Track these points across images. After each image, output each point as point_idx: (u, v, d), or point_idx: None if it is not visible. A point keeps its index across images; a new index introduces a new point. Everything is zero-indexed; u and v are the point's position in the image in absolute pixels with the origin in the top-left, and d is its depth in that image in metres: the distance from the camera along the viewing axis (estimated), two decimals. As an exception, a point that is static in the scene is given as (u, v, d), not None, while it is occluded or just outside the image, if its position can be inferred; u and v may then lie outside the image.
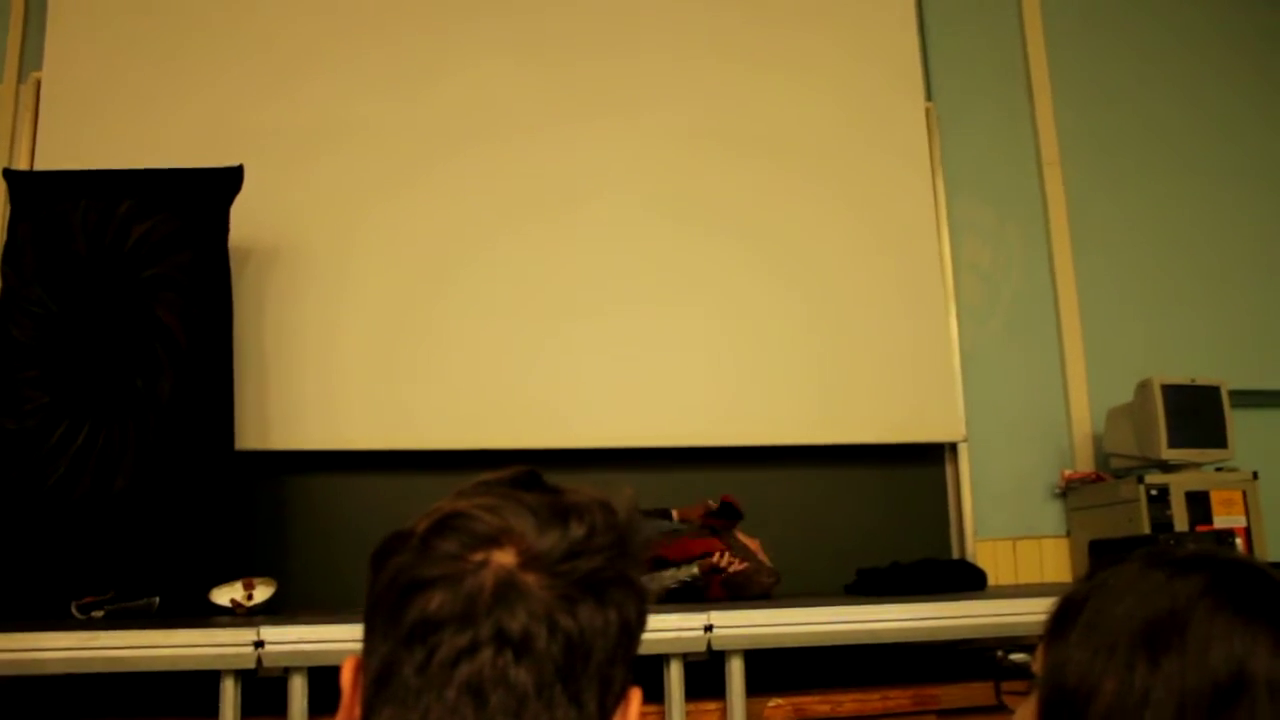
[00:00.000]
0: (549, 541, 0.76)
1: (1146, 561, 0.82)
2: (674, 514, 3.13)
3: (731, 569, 2.84)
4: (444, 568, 0.74)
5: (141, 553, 2.87)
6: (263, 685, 2.22)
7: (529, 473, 0.84)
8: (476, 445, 3.30)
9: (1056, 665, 0.80)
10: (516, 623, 0.72)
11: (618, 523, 0.81)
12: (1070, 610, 0.83)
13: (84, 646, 2.14)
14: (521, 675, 0.71)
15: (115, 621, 2.50)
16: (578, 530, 0.77)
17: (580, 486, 0.85)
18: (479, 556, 0.75)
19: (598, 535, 0.78)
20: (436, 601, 0.73)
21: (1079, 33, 4.31)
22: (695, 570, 2.84)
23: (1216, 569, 0.78)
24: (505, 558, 0.75)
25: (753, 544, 3.05)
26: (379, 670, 0.75)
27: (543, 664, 0.72)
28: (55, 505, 2.86)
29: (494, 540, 0.75)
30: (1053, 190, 4.13)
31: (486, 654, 0.71)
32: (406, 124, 3.61)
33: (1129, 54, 4.34)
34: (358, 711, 0.77)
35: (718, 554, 2.83)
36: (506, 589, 0.73)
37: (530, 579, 0.74)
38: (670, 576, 2.87)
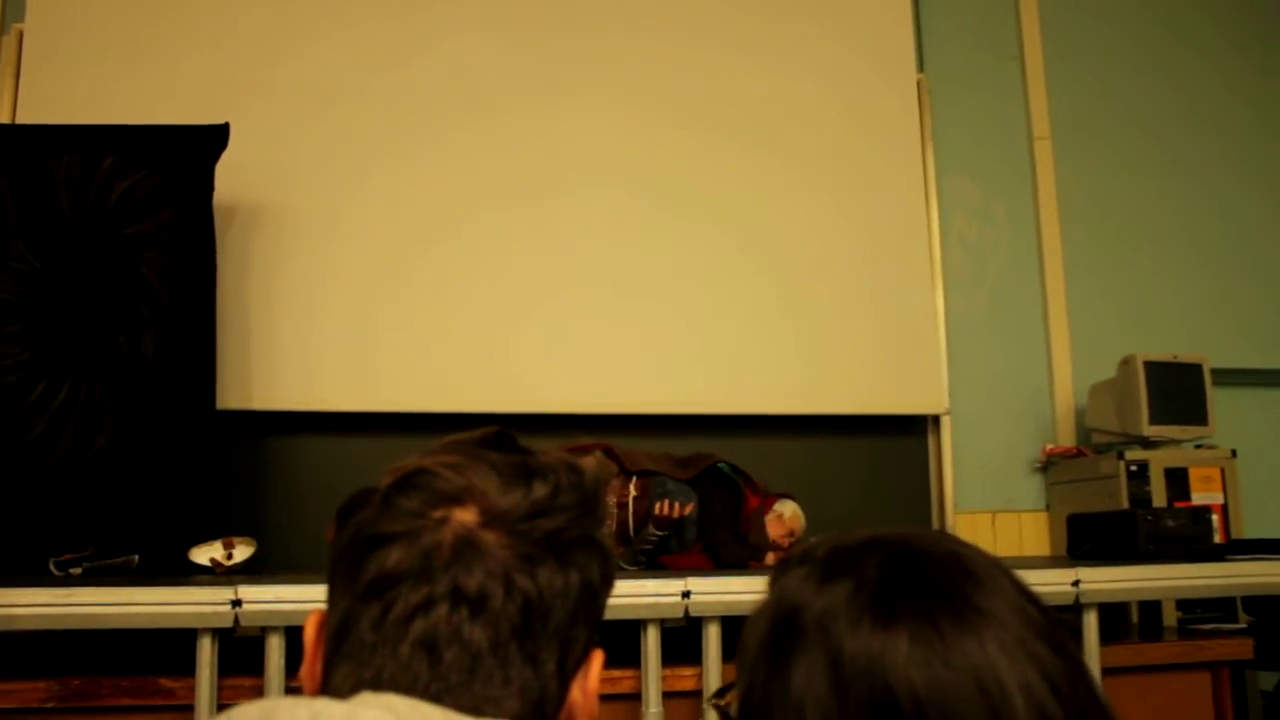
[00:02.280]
0: (511, 500, 0.75)
1: (808, 563, 0.76)
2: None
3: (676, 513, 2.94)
4: (405, 524, 0.74)
5: (121, 511, 2.87)
6: (240, 644, 2.22)
7: (498, 433, 0.82)
8: (459, 409, 3.30)
9: (741, 686, 0.74)
10: (473, 580, 0.71)
11: (583, 484, 0.80)
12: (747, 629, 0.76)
13: (61, 603, 2.14)
14: (476, 633, 0.71)
15: (94, 579, 2.50)
16: (540, 490, 0.76)
17: (549, 448, 0.84)
18: (440, 514, 0.74)
19: (561, 495, 0.77)
20: (395, 557, 0.73)
21: (1073, 9, 4.29)
22: (651, 529, 2.96)
23: (862, 573, 0.73)
24: (466, 515, 0.74)
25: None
26: (338, 626, 0.74)
27: (498, 622, 0.71)
28: (34, 462, 2.86)
29: (456, 498, 0.75)
30: (1042, 166, 4.12)
31: (441, 610, 0.71)
32: (399, 93, 3.59)
33: (1122, 34, 4.32)
34: (319, 668, 0.76)
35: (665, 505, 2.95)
36: (465, 546, 0.72)
37: (490, 537, 0.73)
38: (641, 538, 2.97)
